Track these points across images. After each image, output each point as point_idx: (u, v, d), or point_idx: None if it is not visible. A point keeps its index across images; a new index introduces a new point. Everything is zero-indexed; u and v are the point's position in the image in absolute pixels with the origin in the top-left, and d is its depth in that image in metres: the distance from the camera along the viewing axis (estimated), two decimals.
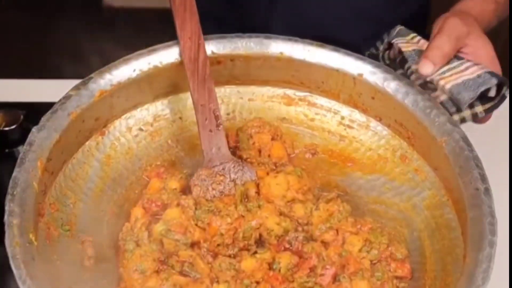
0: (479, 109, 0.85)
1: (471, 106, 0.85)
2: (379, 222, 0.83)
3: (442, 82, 0.84)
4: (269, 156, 0.89)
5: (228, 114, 0.94)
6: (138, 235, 0.80)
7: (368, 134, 0.90)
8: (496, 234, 0.70)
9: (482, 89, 0.82)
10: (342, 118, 0.92)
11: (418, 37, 0.92)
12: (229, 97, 0.94)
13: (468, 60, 0.86)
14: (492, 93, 0.84)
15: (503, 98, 0.84)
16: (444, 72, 0.85)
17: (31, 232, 0.71)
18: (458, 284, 0.68)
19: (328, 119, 0.93)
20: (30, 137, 0.78)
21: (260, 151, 0.89)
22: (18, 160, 0.75)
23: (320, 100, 0.93)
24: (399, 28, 0.93)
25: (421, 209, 0.83)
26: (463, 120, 0.86)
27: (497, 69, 0.87)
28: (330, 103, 0.92)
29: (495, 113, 1.12)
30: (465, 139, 0.79)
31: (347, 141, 0.91)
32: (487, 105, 0.85)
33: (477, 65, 0.85)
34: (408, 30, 0.93)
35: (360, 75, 0.87)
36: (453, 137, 0.79)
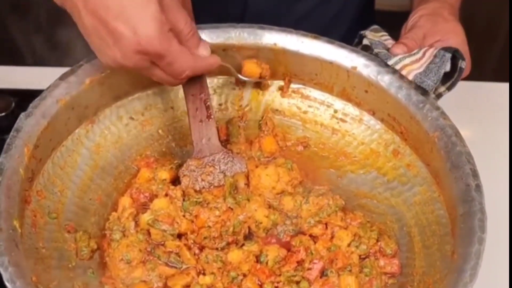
0: (441, 89, 0.87)
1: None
2: (369, 216, 0.83)
3: (404, 72, 0.86)
4: (260, 150, 0.88)
5: (220, 104, 0.93)
6: (125, 225, 0.79)
7: (361, 128, 0.89)
8: (486, 231, 0.69)
9: (442, 71, 0.84)
10: (335, 111, 0.91)
11: (387, 37, 0.93)
12: (222, 88, 0.93)
13: (426, 46, 0.89)
14: (447, 67, 0.85)
15: (461, 71, 0.86)
16: (404, 59, 0.87)
17: (15, 219, 0.70)
18: (446, 280, 0.68)
19: (321, 112, 0.92)
20: (18, 123, 0.77)
21: (251, 145, 0.88)
22: (5, 146, 0.75)
23: (313, 92, 0.92)
24: (373, 26, 0.94)
25: (412, 205, 0.82)
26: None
27: (466, 50, 0.90)
28: (323, 96, 0.92)
29: (495, 112, 1.12)
30: (457, 134, 0.78)
31: (339, 135, 0.90)
32: (448, 83, 0.87)
33: (432, 47, 0.87)
34: (381, 30, 0.94)
35: (354, 68, 0.86)
36: (446, 132, 0.78)
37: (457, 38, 0.91)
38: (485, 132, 1.09)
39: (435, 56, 0.85)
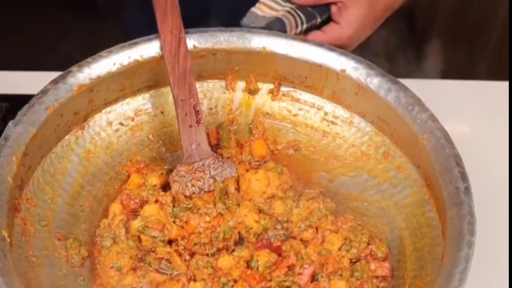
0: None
1: None
2: (360, 219, 0.83)
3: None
4: (251, 154, 0.88)
5: (210, 109, 0.93)
6: (115, 232, 0.79)
7: (351, 131, 0.89)
8: (475, 235, 0.69)
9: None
10: (326, 114, 0.91)
11: None
12: (212, 92, 0.93)
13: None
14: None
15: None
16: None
17: (4, 229, 0.70)
18: (435, 284, 0.68)
19: (311, 115, 0.91)
20: (6, 131, 0.77)
21: (241, 149, 0.88)
22: None
23: (303, 95, 0.92)
24: None
25: (402, 207, 0.82)
26: None
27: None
28: (313, 98, 0.91)
29: (495, 111, 1.11)
30: (446, 136, 0.78)
31: (330, 138, 0.90)
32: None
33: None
34: None
35: (343, 70, 0.86)
36: (435, 135, 0.78)
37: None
38: (484, 131, 1.09)
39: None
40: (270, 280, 0.75)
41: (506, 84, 1.16)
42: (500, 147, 1.05)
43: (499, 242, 0.92)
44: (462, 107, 1.09)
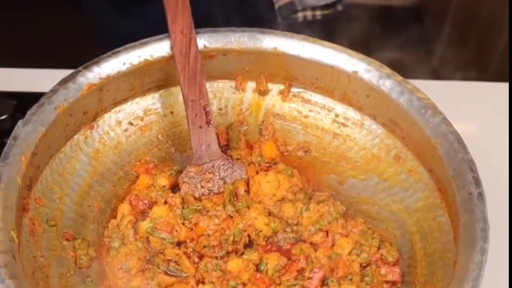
0: (318, 13, 1.24)
1: (313, 9, 1.23)
2: (370, 223, 0.82)
3: None
4: (261, 156, 0.87)
5: (220, 109, 0.92)
6: (124, 233, 0.78)
7: (362, 133, 0.88)
8: (488, 241, 0.68)
9: (323, 2, 1.20)
10: (337, 115, 0.90)
11: None
12: (222, 92, 0.92)
13: None
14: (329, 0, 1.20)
15: (336, 10, 1.26)
16: None
17: (12, 229, 0.69)
18: None
19: (322, 116, 0.91)
20: (15, 131, 0.76)
21: (251, 150, 0.87)
22: (2, 155, 0.74)
23: (314, 97, 0.91)
24: None
25: (413, 211, 0.81)
26: (305, 18, 1.26)
27: None
28: (324, 100, 0.91)
29: (495, 112, 1.10)
30: (459, 141, 0.77)
31: (340, 140, 0.89)
32: (325, 12, 1.25)
33: None
34: None
35: (355, 72, 0.85)
36: (448, 139, 0.77)
37: None
38: (484, 132, 1.08)
39: None
40: (280, 284, 0.74)
41: (506, 85, 1.15)
42: (500, 148, 1.05)
43: (499, 240, 0.91)
44: (462, 107, 1.08)
